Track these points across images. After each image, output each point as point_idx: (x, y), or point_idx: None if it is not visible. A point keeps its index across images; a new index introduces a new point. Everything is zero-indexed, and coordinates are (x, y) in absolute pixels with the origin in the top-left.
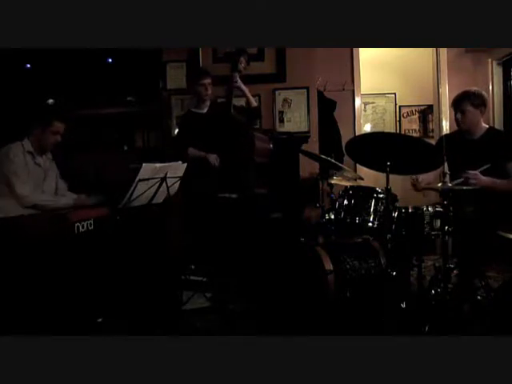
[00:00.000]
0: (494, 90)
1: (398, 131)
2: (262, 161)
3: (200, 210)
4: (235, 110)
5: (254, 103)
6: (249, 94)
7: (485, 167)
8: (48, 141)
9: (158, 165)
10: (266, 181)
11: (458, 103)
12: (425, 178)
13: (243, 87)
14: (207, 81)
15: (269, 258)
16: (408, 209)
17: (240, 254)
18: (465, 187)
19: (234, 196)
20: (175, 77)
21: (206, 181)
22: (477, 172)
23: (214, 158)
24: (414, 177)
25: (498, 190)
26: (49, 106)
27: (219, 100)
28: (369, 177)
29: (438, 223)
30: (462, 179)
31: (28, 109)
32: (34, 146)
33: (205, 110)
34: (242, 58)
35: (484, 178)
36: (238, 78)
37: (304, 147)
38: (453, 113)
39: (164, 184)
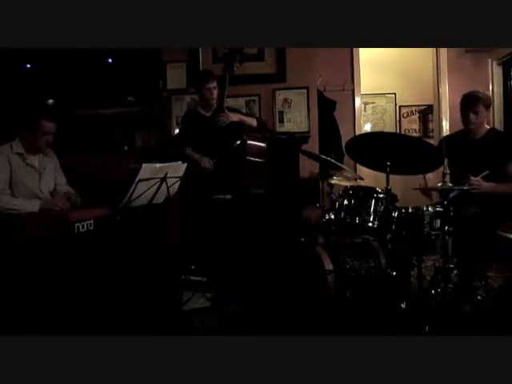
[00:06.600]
0: (494, 89)
1: (398, 131)
2: (256, 160)
3: (195, 211)
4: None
5: (254, 123)
6: (244, 119)
7: (485, 173)
8: (38, 142)
9: (158, 165)
10: (263, 181)
11: (471, 103)
12: (430, 178)
13: (234, 118)
14: (212, 84)
15: (268, 258)
16: (408, 209)
17: (237, 255)
18: (465, 187)
19: (228, 197)
20: (175, 77)
21: (200, 182)
22: (478, 178)
23: (206, 162)
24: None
25: (500, 194)
26: (36, 106)
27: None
28: (369, 177)
29: (438, 223)
30: (465, 186)
31: (15, 110)
32: (25, 146)
33: (209, 114)
34: (234, 59)
35: (486, 184)
36: (224, 115)
37: (304, 147)
38: (453, 112)
39: (164, 184)
